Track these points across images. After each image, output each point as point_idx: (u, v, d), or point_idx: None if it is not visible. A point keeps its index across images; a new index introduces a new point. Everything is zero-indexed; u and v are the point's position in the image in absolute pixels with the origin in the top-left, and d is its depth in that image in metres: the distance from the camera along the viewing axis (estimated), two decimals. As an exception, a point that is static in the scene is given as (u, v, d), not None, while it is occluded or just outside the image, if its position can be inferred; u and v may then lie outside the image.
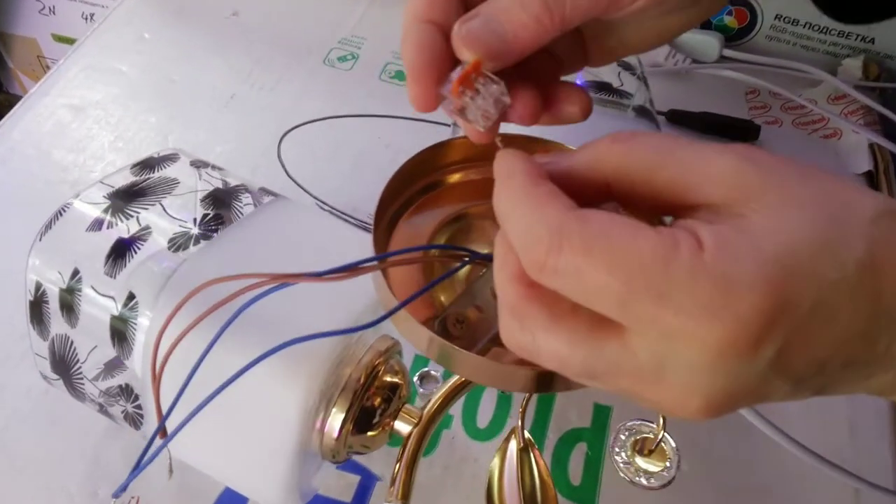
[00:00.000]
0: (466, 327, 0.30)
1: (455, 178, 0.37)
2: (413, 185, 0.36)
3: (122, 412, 0.36)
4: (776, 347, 0.19)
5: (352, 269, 0.30)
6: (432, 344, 0.29)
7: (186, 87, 0.64)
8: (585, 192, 0.23)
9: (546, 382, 0.29)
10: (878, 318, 0.19)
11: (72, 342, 0.35)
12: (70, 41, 0.97)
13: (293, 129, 0.61)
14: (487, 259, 0.32)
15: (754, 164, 0.20)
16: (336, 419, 0.35)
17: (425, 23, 0.25)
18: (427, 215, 0.36)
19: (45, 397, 0.44)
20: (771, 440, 0.42)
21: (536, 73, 0.27)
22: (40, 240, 0.35)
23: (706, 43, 0.67)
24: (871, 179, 0.60)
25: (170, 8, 0.71)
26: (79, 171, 0.57)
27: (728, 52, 0.68)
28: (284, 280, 0.29)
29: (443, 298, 0.33)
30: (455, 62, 0.26)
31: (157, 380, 0.31)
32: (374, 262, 0.30)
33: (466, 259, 0.32)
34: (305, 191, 0.57)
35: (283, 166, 0.59)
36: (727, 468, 0.43)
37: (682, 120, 0.62)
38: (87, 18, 0.96)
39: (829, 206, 0.20)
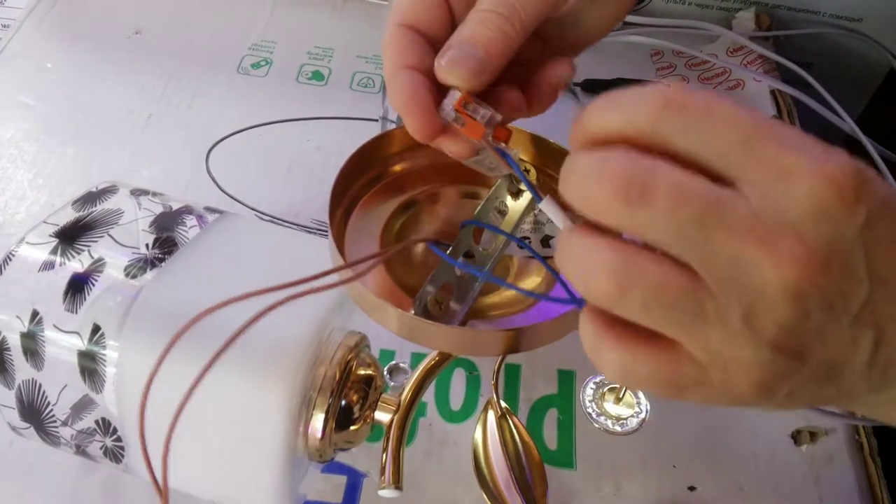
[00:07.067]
0: (444, 307, 0.31)
1: (400, 166, 0.38)
2: (361, 178, 0.37)
3: (101, 448, 0.36)
4: (866, 213, 0.20)
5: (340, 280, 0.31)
6: (406, 324, 0.31)
7: (100, 113, 0.63)
8: None
9: (517, 341, 0.31)
10: None
11: (40, 385, 0.35)
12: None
13: (218, 142, 0.61)
14: (445, 245, 0.34)
15: None
16: (318, 419, 0.36)
17: (404, 69, 0.29)
18: (379, 206, 0.37)
19: (11, 449, 0.42)
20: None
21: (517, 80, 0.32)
22: (-9, 287, 0.34)
23: (608, 11, 0.69)
24: (776, 123, 0.64)
25: (68, 33, 0.69)
26: (1, 214, 0.55)
27: (629, 18, 0.71)
28: (291, 299, 0.29)
29: (406, 282, 0.35)
30: (440, 91, 0.29)
31: (141, 427, 0.30)
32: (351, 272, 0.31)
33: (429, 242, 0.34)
34: (242, 203, 0.56)
35: (214, 181, 0.58)
36: (690, 409, 0.46)
37: (598, 88, 0.64)
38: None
39: None
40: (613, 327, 0.23)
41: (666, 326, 0.22)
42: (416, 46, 0.29)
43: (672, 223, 0.21)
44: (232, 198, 0.57)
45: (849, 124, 0.64)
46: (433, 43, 0.29)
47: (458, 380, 0.47)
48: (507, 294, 0.36)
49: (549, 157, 0.38)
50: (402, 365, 0.47)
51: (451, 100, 0.28)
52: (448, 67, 0.28)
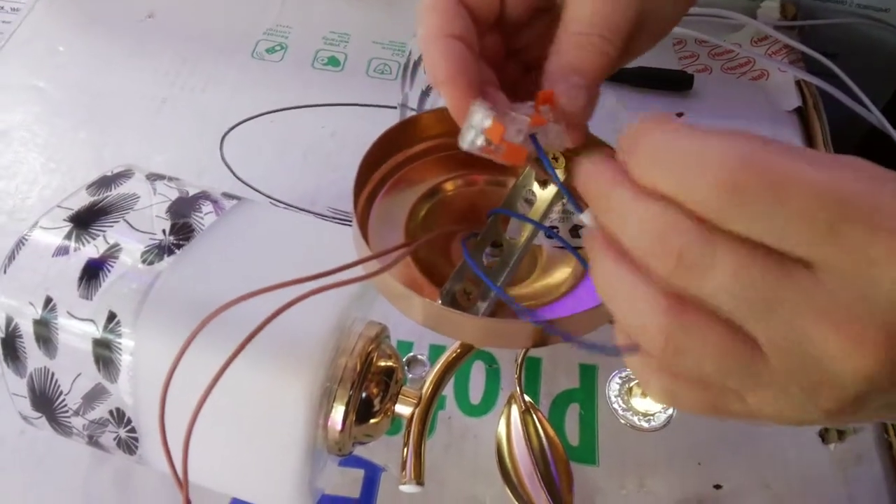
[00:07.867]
0: (472, 297, 0.30)
1: (425, 153, 0.36)
2: (385, 164, 0.35)
3: (115, 439, 0.35)
4: None
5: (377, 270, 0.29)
6: (433, 314, 0.29)
7: (112, 97, 0.62)
8: None
9: (545, 334, 0.30)
10: None
11: (52, 374, 0.34)
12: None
13: (233, 128, 0.60)
14: (474, 235, 0.33)
15: None
16: (338, 412, 0.35)
17: (448, 38, 0.27)
18: (404, 193, 0.35)
19: (21, 438, 0.42)
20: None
21: None
22: (4, 273, 0.33)
23: None
24: (801, 115, 0.62)
25: (80, 17, 0.68)
26: (13, 198, 0.54)
27: (652, 6, 0.69)
28: (319, 291, 0.28)
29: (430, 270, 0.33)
30: (477, 69, 0.27)
31: (161, 421, 0.29)
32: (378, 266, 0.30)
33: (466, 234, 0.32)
34: (257, 190, 0.55)
35: (228, 167, 0.57)
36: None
37: (620, 77, 0.63)
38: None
39: None
40: None
41: (718, 383, 0.22)
42: (462, 18, 0.27)
43: (732, 294, 0.20)
44: (246, 184, 0.56)
45: (875, 115, 0.62)
46: (477, 22, 0.28)
47: (478, 373, 0.46)
48: (535, 285, 0.34)
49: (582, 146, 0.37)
50: (420, 357, 0.46)
51: (481, 126, 0.25)
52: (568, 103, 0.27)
